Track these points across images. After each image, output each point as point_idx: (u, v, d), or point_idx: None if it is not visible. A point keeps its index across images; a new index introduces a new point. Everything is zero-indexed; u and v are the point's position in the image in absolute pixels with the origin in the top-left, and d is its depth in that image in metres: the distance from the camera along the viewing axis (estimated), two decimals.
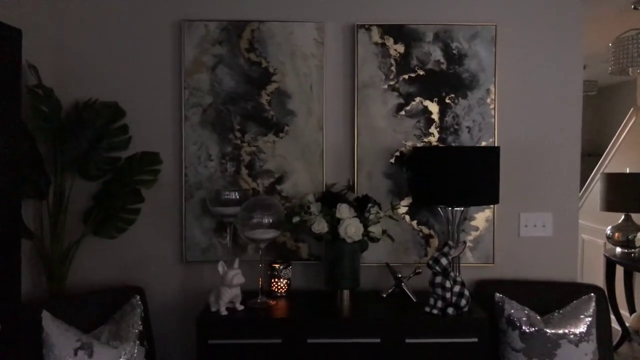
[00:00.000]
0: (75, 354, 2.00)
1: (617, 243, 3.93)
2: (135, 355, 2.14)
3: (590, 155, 5.73)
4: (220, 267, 2.18)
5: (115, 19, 2.52)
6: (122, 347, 2.10)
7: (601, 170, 5.00)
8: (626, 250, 3.89)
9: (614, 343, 3.55)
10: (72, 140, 2.33)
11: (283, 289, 2.43)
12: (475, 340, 2.10)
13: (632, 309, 4.17)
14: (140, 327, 2.23)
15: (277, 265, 2.43)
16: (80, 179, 2.43)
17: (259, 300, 2.28)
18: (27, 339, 2.02)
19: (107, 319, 2.26)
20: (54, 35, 2.49)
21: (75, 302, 2.26)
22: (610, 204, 3.91)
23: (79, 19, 2.51)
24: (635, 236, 3.82)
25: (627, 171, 4.14)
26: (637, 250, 3.84)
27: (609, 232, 3.98)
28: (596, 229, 4.64)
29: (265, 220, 2.23)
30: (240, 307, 2.20)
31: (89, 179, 2.44)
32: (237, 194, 2.38)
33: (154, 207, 2.52)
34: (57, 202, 2.34)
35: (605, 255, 4.06)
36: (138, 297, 2.33)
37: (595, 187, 4.71)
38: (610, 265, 4.03)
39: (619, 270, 4.09)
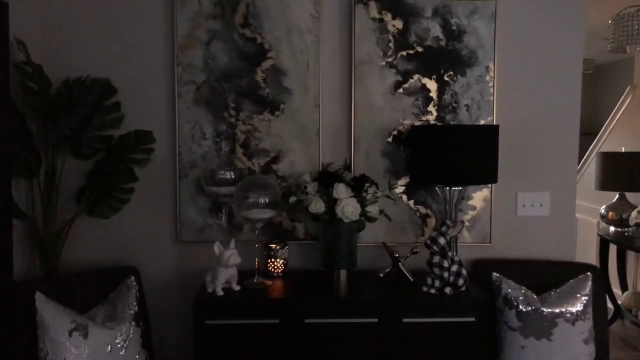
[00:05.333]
0: (70, 335, 1.97)
1: (611, 222, 3.95)
2: (131, 336, 2.12)
3: (586, 134, 5.72)
4: (217, 247, 2.15)
5: None
6: (118, 328, 2.08)
7: (596, 150, 5.00)
8: (620, 229, 3.91)
9: None
10: (63, 118, 2.27)
11: (280, 269, 2.41)
12: (473, 319, 2.10)
13: (624, 287, 4.21)
14: (136, 308, 2.21)
15: (273, 245, 2.41)
16: (72, 158, 2.38)
17: (255, 281, 2.26)
18: (21, 320, 2.00)
19: (102, 299, 2.24)
20: (42, 10, 2.41)
21: (69, 282, 2.24)
22: (605, 183, 3.91)
23: None
24: (629, 215, 3.83)
25: (623, 150, 4.13)
26: (630, 229, 3.86)
27: (603, 211, 4.00)
28: (590, 208, 4.65)
29: (262, 200, 2.19)
30: (237, 288, 2.18)
31: (81, 158, 2.39)
32: (232, 173, 2.34)
33: (148, 186, 2.48)
34: (49, 181, 2.29)
35: (599, 234, 4.08)
36: (133, 277, 2.30)
37: (590, 167, 4.71)
38: (603, 243, 4.06)
39: (612, 249, 4.12)
